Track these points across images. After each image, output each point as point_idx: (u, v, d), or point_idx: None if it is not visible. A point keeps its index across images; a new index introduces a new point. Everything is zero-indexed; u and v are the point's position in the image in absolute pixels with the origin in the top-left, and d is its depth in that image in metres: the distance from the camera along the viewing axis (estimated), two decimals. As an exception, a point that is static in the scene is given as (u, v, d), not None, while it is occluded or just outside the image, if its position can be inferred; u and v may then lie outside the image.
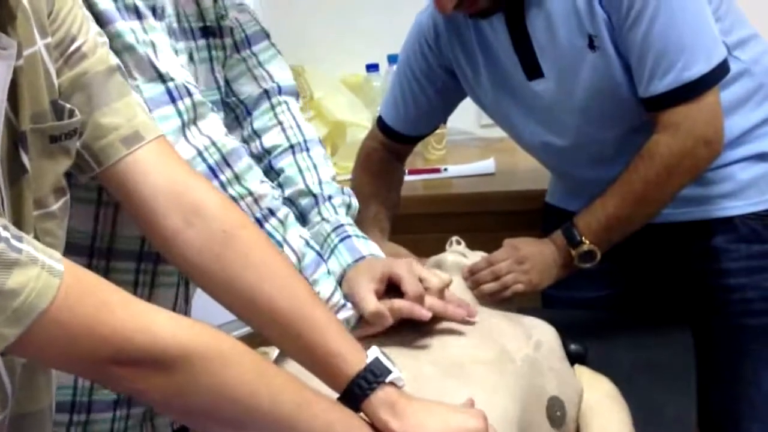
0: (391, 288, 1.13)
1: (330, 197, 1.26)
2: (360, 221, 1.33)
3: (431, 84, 1.66)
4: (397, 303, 1.10)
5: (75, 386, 1.12)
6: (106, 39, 0.95)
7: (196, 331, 0.80)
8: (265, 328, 0.97)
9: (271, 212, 1.10)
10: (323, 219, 1.24)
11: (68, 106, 0.87)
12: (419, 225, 1.98)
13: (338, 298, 1.13)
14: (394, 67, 2.09)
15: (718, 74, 1.41)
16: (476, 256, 1.44)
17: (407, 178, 1.86)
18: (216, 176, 1.06)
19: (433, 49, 1.63)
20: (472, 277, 1.40)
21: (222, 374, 0.79)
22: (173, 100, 1.06)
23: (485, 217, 2.01)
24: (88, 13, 0.93)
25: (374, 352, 0.95)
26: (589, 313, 1.60)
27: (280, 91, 1.31)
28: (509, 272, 1.42)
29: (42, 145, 0.84)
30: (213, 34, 1.22)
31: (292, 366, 0.99)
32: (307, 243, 1.14)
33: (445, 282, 1.17)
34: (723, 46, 1.42)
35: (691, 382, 1.36)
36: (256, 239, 0.98)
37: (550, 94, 1.50)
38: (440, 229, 1.81)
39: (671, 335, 1.48)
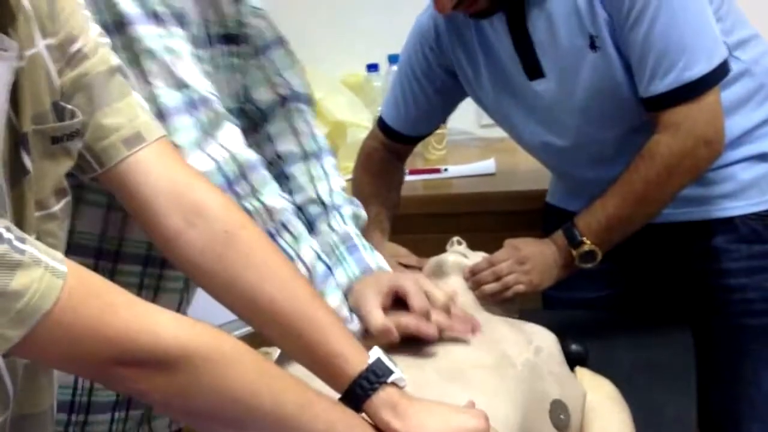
0: (398, 301, 1.13)
1: (340, 207, 1.27)
2: (361, 222, 1.33)
3: (432, 84, 1.66)
4: (404, 319, 1.10)
5: (75, 386, 1.12)
6: (107, 39, 0.95)
7: (198, 332, 0.80)
8: (267, 328, 0.97)
9: (285, 227, 1.10)
10: (332, 229, 1.24)
11: (69, 107, 0.87)
12: (419, 225, 1.98)
13: (344, 311, 1.13)
14: (395, 67, 2.09)
15: (719, 74, 1.41)
16: (477, 257, 1.44)
17: (407, 178, 1.86)
18: (232, 188, 1.06)
19: (434, 49, 1.63)
20: (473, 278, 1.40)
21: (224, 375, 0.79)
22: (192, 110, 1.05)
23: (485, 218, 2.01)
24: (89, 14, 0.93)
25: (376, 352, 0.95)
26: (589, 313, 1.61)
27: (296, 99, 1.31)
28: (510, 273, 1.42)
29: (43, 146, 0.84)
30: (233, 41, 1.22)
31: (295, 367, 0.99)
32: (318, 256, 1.14)
33: (451, 296, 1.17)
34: (724, 46, 1.42)
35: (691, 382, 1.36)
36: (257, 239, 0.98)
37: (551, 94, 1.50)
38: (440, 230, 1.81)
39: (671, 335, 1.48)
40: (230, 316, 0.99)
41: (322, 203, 1.26)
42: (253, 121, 1.30)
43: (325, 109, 2.39)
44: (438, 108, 1.72)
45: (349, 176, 1.77)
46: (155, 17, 1.05)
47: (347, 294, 1.16)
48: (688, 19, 1.39)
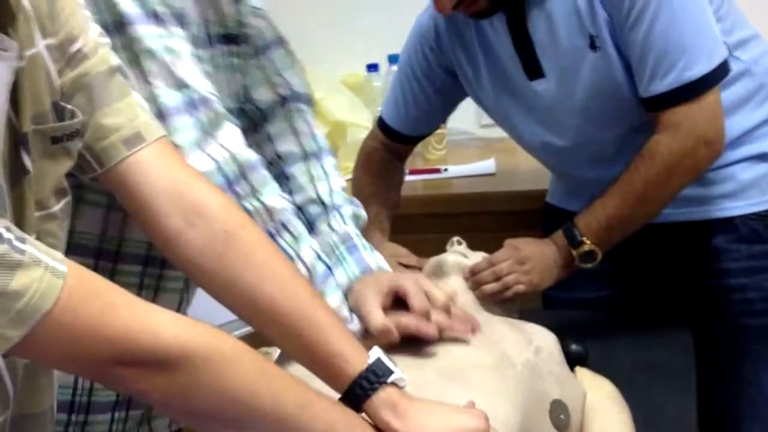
0: (398, 301, 1.13)
1: (340, 207, 1.27)
2: (361, 222, 1.33)
3: (432, 84, 1.66)
4: (404, 319, 1.10)
5: (75, 386, 1.12)
6: (107, 39, 0.95)
7: (198, 332, 0.80)
8: (267, 328, 0.97)
9: (285, 227, 1.10)
10: (332, 229, 1.24)
11: (69, 107, 0.87)
12: (419, 225, 1.98)
13: (344, 311, 1.13)
14: (395, 67, 2.09)
15: (719, 74, 1.41)
16: (477, 257, 1.44)
17: (407, 178, 1.86)
18: (232, 188, 1.06)
19: (434, 49, 1.63)
20: (473, 278, 1.40)
21: (224, 374, 0.79)
22: (192, 110, 1.05)
23: (485, 218, 2.01)
24: (89, 14, 0.93)
25: (376, 352, 0.95)
26: (589, 313, 1.61)
27: (296, 99, 1.31)
28: (510, 273, 1.42)
29: (43, 146, 0.84)
30: (233, 41, 1.22)
31: (295, 368, 0.99)
32: (318, 256, 1.14)
33: (451, 296, 1.17)
34: (724, 46, 1.42)
35: (691, 382, 1.36)
36: (257, 239, 0.98)
37: (551, 94, 1.50)
38: (440, 230, 1.81)
39: (671, 335, 1.48)
40: (230, 316, 0.99)
41: (322, 203, 1.26)
42: (253, 121, 1.30)
43: (325, 109, 2.39)
44: (438, 108, 1.72)
45: (349, 176, 1.77)
46: (155, 17, 1.05)
47: (347, 294, 1.16)
48: (688, 19, 1.39)
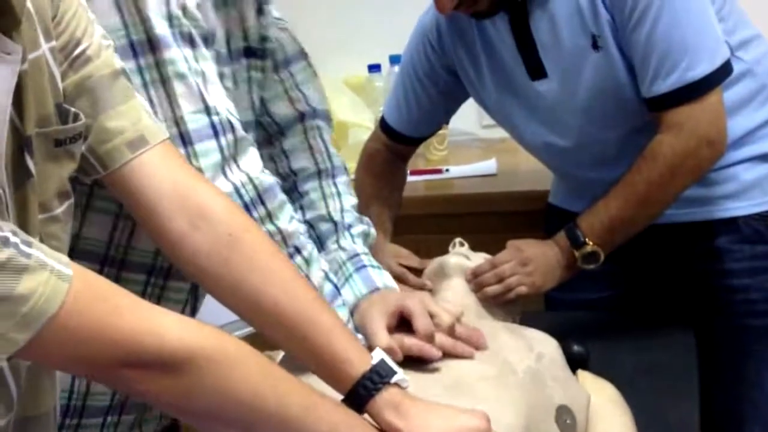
0: (403, 321, 1.14)
1: (350, 226, 1.27)
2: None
3: (434, 85, 1.66)
4: (408, 341, 1.10)
5: (71, 390, 1.12)
6: (110, 42, 0.95)
7: (203, 334, 0.80)
8: (271, 330, 0.97)
9: (298, 250, 1.11)
10: (341, 247, 1.25)
11: (73, 109, 0.87)
12: (421, 226, 1.98)
13: (350, 329, 1.13)
14: (396, 67, 2.09)
15: (722, 74, 1.41)
16: (479, 258, 1.44)
17: (409, 178, 1.85)
18: (249, 213, 1.06)
19: (436, 49, 1.63)
20: (476, 280, 1.40)
21: (228, 376, 0.80)
22: (216, 135, 1.06)
23: (487, 218, 2.01)
24: (92, 16, 0.93)
25: (379, 353, 0.96)
26: (591, 314, 1.61)
27: (315, 116, 1.32)
28: (513, 274, 1.42)
29: (47, 149, 0.84)
30: (255, 55, 1.22)
31: (307, 377, 0.99)
32: (327, 276, 1.15)
33: (457, 316, 1.17)
34: (726, 46, 1.43)
35: (693, 384, 1.36)
36: (261, 242, 0.98)
37: (553, 95, 1.50)
38: (442, 230, 1.81)
39: (674, 336, 1.48)
40: (232, 317, 0.99)
41: (333, 221, 1.27)
42: (269, 134, 1.31)
43: (327, 110, 2.39)
44: (440, 109, 1.72)
45: (351, 177, 1.77)
46: (187, 39, 1.05)
47: (353, 312, 1.17)
48: (691, 20, 1.39)
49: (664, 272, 1.62)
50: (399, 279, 1.35)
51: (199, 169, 1.04)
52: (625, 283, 1.65)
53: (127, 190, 0.94)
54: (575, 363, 1.25)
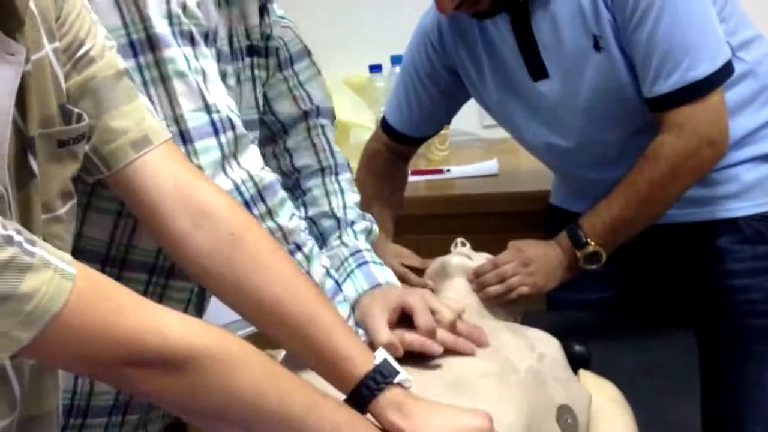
0: (404, 318, 1.14)
1: (352, 223, 1.28)
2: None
3: (435, 85, 1.66)
4: (409, 337, 1.10)
5: (74, 390, 1.12)
6: (113, 43, 0.95)
7: (206, 333, 0.80)
8: (273, 329, 0.98)
9: (298, 247, 1.11)
10: (343, 243, 1.25)
11: (76, 110, 0.87)
12: (422, 226, 1.99)
13: (351, 325, 1.13)
14: (397, 67, 2.09)
15: (723, 75, 1.41)
16: (481, 258, 1.44)
17: (410, 178, 1.86)
18: (250, 210, 1.07)
19: (437, 50, 1.63)
20: (478, 280, 1.40)
21: (231, 375, 0.80)
22: (216, 133, 1.06)
23: (488, 218, 2.01)
24: (95, 17, 0.93)
25: (382, 353, 0.96)
26: (592, 314, 1.61)
27: (318, 114, 1.32)
28: (514, 274, 1.42)
29: (50, 149, 0.84)
30: (258, 53, 1.22)
31: (308, 374, 0.99)
32: (328, 272, 1.15)
33: (458, 312, 1.18)
34: (727, 46, 1.43)
35: (694, 384, 1.36)
36: (263, 241, 0.98)
37: (555, 95, 1.51)
38: (443, 230, 1.81)
39: (675, 337, 1.48)
40: (234, 316, 1.00)
41: (335, 217, 1.28)
42: (272, 132, 1.32)
43: (328, 110, 2.39)
44: (442, 109, 1.72)
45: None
46: (188, 37, 1.05)
47: (354, 307, 1.17)
48: (692, 20, 1.40)
49: (665, 272, 1.62)
50: (401, 279, 1.35)
51: (199, 167, 1.04)
52: (627, 284, 1.65)
53: (130, 190, 0.94)
54: (577, 363, 1.25)
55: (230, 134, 1.07)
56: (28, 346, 0.70)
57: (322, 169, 1.31)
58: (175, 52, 1.04)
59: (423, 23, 1.66)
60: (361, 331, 1.14)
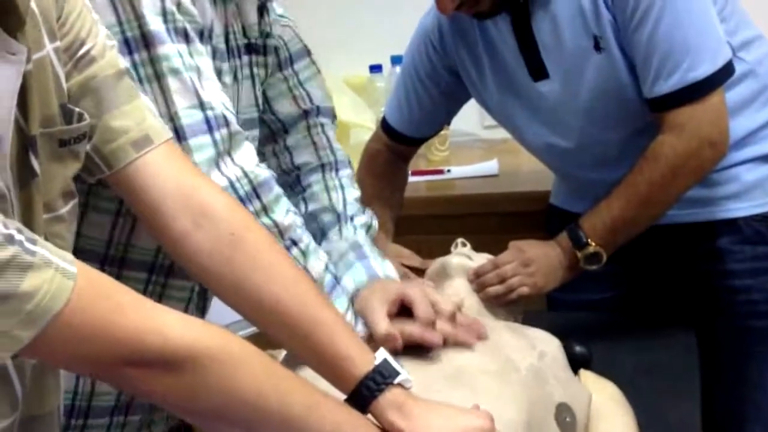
0: (404, 310, 1.14)
1: (352, 217, 1.28)
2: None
3: (436, 85, 1.66)
4: (408, 327, 1.10)
5: (75, 391, 1.12)
6: (114, 42, 0.95)
7: (206, 333, 0.80)
8: (273, 329, 0.98)
9: (294, 243, 1.11)
10: (343, 237, 1.25)
11: (77, 109, 0.87)
12: (422, 226, 1.99)
13: (350, 317, 1.14)
14: (398, 68, 2.09)
15: (723, 75, 1.41)
16: (481, 258, 1.44)
17: (410, 179, 1.86)
18: (245, 206, 1.06)
19: (438, 50, 1.63)
20: (478, 280, 1.40)
21: (231, 375, 0.80)
22: (210, 130, 1.06)
23: (488, 219, 2.02)
24: (96, 17, 0.94)
25: (382, 353, 0.96)
26: (593, 315, 1.61)
27: (318, 113, 1.32)
28: (515, 275, 1.42)
29: (51, 149, 0.84)
30: (256, 52, 1.22)
31: (305, 371, 0.99)
32: (326, 267, 1.15)
33: (458, 305, 1.18)
34: (728, 47, 1.43)
35: (695, 385, 1.36)
36: (263, 241, 0.98)
37: (555, 96, 1.51)
38: (444, 231, 1.81)
39: (675, 337, 1.48)
40: (236, 316, 1.00)
41: (335, 211, 1.28)
42: (272, 131, 1.32)
43: (328, 110, 2.39)
44: (442, 109, 1.72)
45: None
46: (182, 34, 1.05)
47: (353, 299, 1.17)
48: (692, 20, 1.40)
49: (665, 273, 1.63)
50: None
51: (194, 164, 1.03)
52: (627, 284, 1.65)
53: (131, 190, 0.94)
54: (578, 363, 1.25)
55: (224, 131, 1.07)
56: (29, 345, 0.70)
57: (323, 166, 1.31)
58: (170, 49, 1.04)
59: (423, 24, 1.66)
60: (360, 324, 1.13)
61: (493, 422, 0.93)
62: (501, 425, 0.95)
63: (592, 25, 1.42)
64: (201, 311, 1.22)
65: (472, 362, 1.09)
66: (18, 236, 0.70)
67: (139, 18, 1.02)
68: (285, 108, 1.31)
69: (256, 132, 1.24)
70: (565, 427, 1.07)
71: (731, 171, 1.53)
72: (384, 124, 1.76)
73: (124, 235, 1.11)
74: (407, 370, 0.96)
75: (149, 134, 0.94)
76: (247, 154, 1.09)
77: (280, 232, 1.10)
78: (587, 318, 1.58)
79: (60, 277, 0.71)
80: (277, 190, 1.10)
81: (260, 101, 1.25)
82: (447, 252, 1.46)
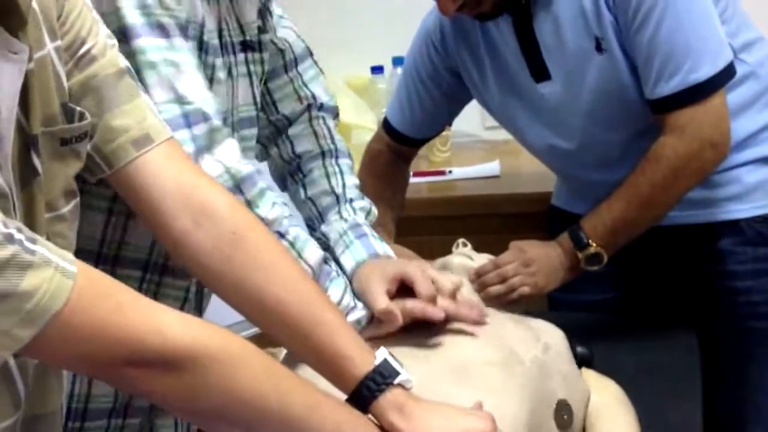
0: (403, 290, 1.14)
1: (351, 200, 1.28)
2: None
3: (437, 86, 1.66)
4: (410, 303, 1.11)
5: (71, 393, 1.11)
6: (115, 41, 0.95)
7: (206, 333, 0.80)
8: (274, 328, 0.98)
9: (282, 236, 1.11)
10: (342, 218, 1.26)
11: (78, 108, 0.87)
12: (424, 227, 1.99)
13: (348, 300, 1.14)
14: (399, 69, 2.09)
15: (725, 77, 1.41)
16: (482, 259, 1.44)
17: (412, 180, 1.86)
18: None
19: (440, 51, 1.64)
20: (479, 280, 1.40)
21: (232, 376, 0.80)
22: (188, 125, 1.06)
23: (490, 220, 2.02)
24: (97, 16, 0.94)
25: (383, 353, 0.96)
26: (594, 315, 1.61)
27: (321, 108, 1.34)
28: (516, 275, 1.42)
29: (53, 148, 0.84)
30: (252, 49, 1.22)
31: (304, 370, 0.99)
32: (322, 257, 1.14)
33: (457, 284, 1.18)
34: (729, 48, 1.43)
35: (696, 386, 1.36)
36: (265, 241, 0.98)
37: (557, 97, 1.51)
38: (445, 232, 1.81)
39: (676, 338, 1.48)
40: (238, 317, 0.99)
41: (334, 194, 1.28)
42: (277, 129, 1.33)
43: (330, 111, 2.39)
44: (444, 110, 1.72)
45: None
46: (160, 28, 1.05)
47: (352, 279, 1.17)
48: (693, 22, 1.40)
49: (666, 274, 1.62)
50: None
51: None
52: (628, 285, 1.65)
53: (131, 189, 0.94)
54: (579, 364, 1.25)
55: (203, 126, 1.06)
56: (29, 344, 0.70)
57: (323, 153, 1.32)
58: (146, 43, 1.04)
59: (425, 25, 1.66)
60: (360, 306, 1.13)
61: (494, 423, 0.92)
62: (504, 421, 0.94)
63: (594, 27, 1.42)
64: (198, 312, 1.21)
65: (475, 353, 1.09)
66: (18, 235, 0.70)
67: (116, 11, 1.02)
68: (291, 108, 1.32)
69: (254, 130, 1.24)
70: (562, 424, 1.07)
71: (732, 172, 1.53)
72: (385, 125, 1.76)
73: (117, 233, 1.11)
74: (409, 359, 0.96)
75: (150, 133, 0.94)
76: (228, 149, 1.09)
77: (266, 226, 1.10)
78: (588, 318, 1.58)
79: (59, 276, 0.71)
80: (261, 184, 1.10)
81: (258, 99, 1.25)
82: (448, 253, 1.46)
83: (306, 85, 1.33)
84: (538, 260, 1.45)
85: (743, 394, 1.56)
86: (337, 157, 1.32)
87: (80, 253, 1.04)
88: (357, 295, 1.15)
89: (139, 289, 1.13)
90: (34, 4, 0.81)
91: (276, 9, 1.30)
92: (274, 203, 1.11)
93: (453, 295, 1.15)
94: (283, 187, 1.37)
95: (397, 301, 1.11)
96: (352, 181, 1.32)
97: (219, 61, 1.14)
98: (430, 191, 2.21)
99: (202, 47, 1.11)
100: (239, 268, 0.95)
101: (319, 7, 2.60)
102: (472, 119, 2.29)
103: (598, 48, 1.43)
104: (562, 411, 1.08)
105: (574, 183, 1.69)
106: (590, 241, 1.44)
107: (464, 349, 1.10)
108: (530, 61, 1.50)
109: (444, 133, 2.27)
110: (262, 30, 1.23)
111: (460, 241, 1.49)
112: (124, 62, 0.95)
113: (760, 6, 1.72)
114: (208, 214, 0.95)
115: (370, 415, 0.92)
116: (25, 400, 0.83)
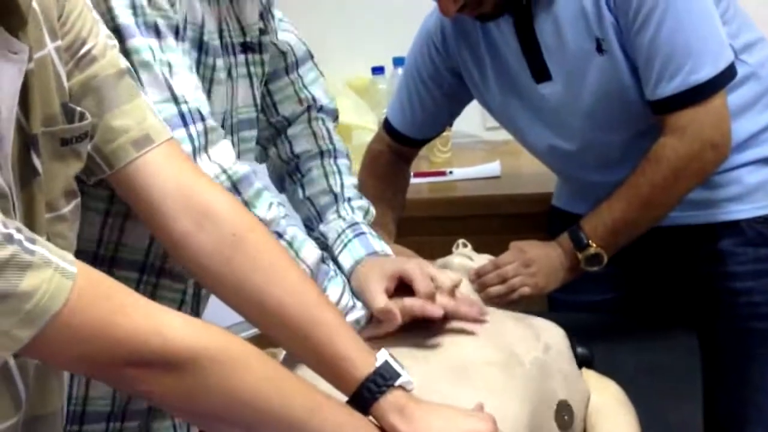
0: (402, 288, 1.14)
1: (350, 199, 1.28)
2: (366, 224, 1.33)
3: (438, 87, 1.66)
4: (408, 301, 1.11)
5: (70, 395, 1.11)
6: (116, 42, 0.95)
7: (207, 334, 0.80)
8: (274, 330, 0.97)
9: (280, 236, 1.11)
10: (340, 217, 1.26)
11: (79, 109, 0.87)
12: (424, 228, 1.99)
13: (347, 299, 1.14)
14: (400, 69, 2.09)
15: (726, 78, 1.41)
16: (483, 259, 1.44)
17: (412, 180, 1.86)
18: None
19: (441, 51, 1.64)
20: (479, 280, 1.40)
21: (232, 377, 0.80)
22: (185, 124, 1.05)
23: (490, 220, 2.02)
24: (98, 17, 0.94)
25: (383, 355, 0.96)
26: (594, 316, 1.61)
27: (321, 109, 1.34)
28: (516, 275, 1.42)
29: (53, 148, 0.84)
30: (252, 50, 1.22)
31: (303, 370, 0.99)
32: (320, 256, 1.14)
33: (456, 282, 1.18)
34: (730, 49, 1.43)
35: (696, 386, 1.36)
36: (265, 242, 0.98)
37: (558, 97, 1.51)
38: (445, 232, 1.81)
39: (677, 339, 1.48)
40: (238, 318, 0.99)
41: (333, 193, 1.29)
42: (277, 130, 1.34)
43: (330, 112, 2.39)
44: (444, 111, 1.73)
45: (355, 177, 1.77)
46: (153, 29, 1.05)
47: (351, 277, 1.17)
48: (694, 23, 1.40)
49: (667, 275, 1.62)
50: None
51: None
52: (628, 286, 1.65)
53: (131, 189, 0.94)
54: (579, 364, 1.25)
55: (200, 126, 1.06)
56: (29, 345, 0.70)
57: (321, 153, 1.32)
58: (139, 42, 1.03)
59: (426, 25, 1.66)
60: (359, 306, 1.13)
61: (495, 424, 0.92)
62: (505, 422, 0.94)
63: (595, 27, 1.42)
64: (195, 314, 1.21)
65: (475, 353, 1.09)
66: (17, 235, 0.70)
67: (109, 11, 1.02)
68: (291, 109, 1.33)
69: (254, 132, 1.24)
70: (562, 424, 1.07)
71: (733, 173, 1.53)
72: (386, 126, 1.76)
73: (114, 234, 1.11)
74: (409, 359, 0.96)
75: (150, 134, 0.94)
76: (224, 150, 1.08)
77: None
78: (588, 319, 1.58)
79: (59, 276, 0.71)
80: (257, 185, 1.10)
81: (258, 101, 1.25)
82: (448, 253, 1.46)
83: (306, 88, 1.33)
84: (538, 261, 1.45)
85: (744, 395, 1.56)
86: (335, 157, 1.32)
87: (77, 254, 1.05)
88: (355, 293, 1.15)
89: (136, 291, 1.12)
90: (35, 4, 0.81)
91: (276, 12, 1.30)
92: (271, 203, 1.11)
93: (452, 292, 1.15)
94: (282, 187, 1.37)
95: (395, 299, 1.11)
96: (351, 180, 1.32)
97: (219, 62, 1.14)
98: (430, 192, 2.21)
99: (202, 48, 1.11)
100: (239, 269, 0.95)
101: (320, 8, 2.60)
102: (472, 120, 2.29)
103: (599, 49, 1.43)
104: (563, 411, 1.08)
105: (574, 184, 1.68)
106: (590, 241, 1.44)
107: (464, 349, 1.10)
108: (531, 61, 1.50)
109: (445, 134, 2.27)
110: (263, 32, 1.23)
111: (461, 241, 1.49)
112: (124, 63, 0.95)
113: (761, 7, 1.72)
114: (209, 216, 0.95)
115: (370, 417, 0.92)
116: (26, 400, 0.83)
